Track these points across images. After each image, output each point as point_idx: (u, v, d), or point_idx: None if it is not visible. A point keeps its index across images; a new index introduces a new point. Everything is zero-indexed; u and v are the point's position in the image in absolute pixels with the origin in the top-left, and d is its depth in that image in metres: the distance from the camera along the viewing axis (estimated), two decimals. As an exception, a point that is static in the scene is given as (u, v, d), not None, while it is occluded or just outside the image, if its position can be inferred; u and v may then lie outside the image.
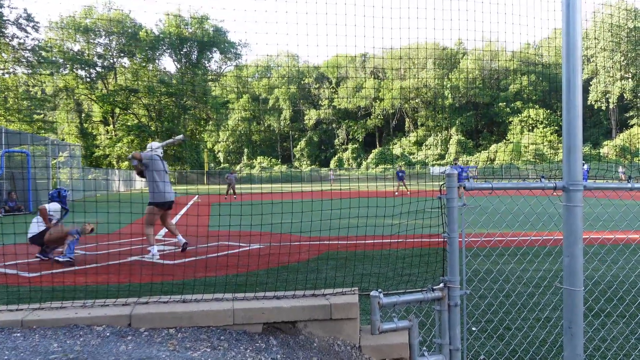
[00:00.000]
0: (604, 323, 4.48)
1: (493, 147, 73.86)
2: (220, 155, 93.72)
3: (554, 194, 3.16)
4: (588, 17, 75.15)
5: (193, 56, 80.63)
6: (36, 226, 8.74)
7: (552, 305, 4.86)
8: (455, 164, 20.07)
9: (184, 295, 3.43)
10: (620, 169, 28.86)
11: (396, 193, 27.05)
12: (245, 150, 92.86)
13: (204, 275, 6.99)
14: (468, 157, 73.96)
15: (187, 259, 8.51)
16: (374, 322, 3.04)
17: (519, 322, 4.52)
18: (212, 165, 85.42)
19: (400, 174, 30.35)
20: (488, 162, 70.91)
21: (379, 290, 3.07)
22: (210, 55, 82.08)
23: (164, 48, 77.43)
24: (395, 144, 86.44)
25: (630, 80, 73.59)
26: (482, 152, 74.71)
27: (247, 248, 9.49)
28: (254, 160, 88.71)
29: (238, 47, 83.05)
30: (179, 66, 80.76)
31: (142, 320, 3.05)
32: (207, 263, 7.99)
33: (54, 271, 7.53)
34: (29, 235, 8.70)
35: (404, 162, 72.70)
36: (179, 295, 3.45)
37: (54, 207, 8.99)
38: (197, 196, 28.39)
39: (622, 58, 74.08)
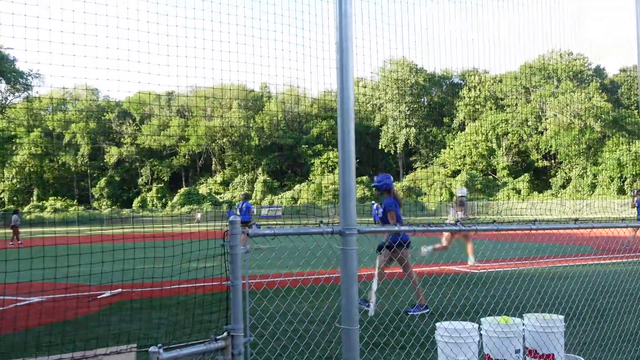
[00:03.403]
0: (377, 357, 4.84)
1: (297, 187, 77.08)
2: (5, 196, 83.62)
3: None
4: (377, 71, 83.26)
5: (-29, 85, 71.75)
6: None
7: (333, 344, 5.12)
8: (245, 199, 20.58)
9: None
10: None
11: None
12: (36, 190, 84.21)
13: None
14: (273, 196, 76.07)
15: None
16: (153, 379, 2.90)
17: (302, 364, 4.67)
18: (-6, 207, 75.70)
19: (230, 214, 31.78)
20: (292, 202, 73.67)
21: (159, 345, 2.94)
22: (-6, 85, 73.62)
23: None
24: (202, 183, 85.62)
25: (413, 128, 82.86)
26: (287, 191, 77.47)
27: (27, 302, 8.50)
28: (45, 201, 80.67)
29: (28, 77, 75.76)
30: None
31: None
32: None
33: None
34: None
35: (210, 203, 72.13)
36: None
37: None
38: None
39: (407, 108, 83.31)
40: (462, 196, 14.13)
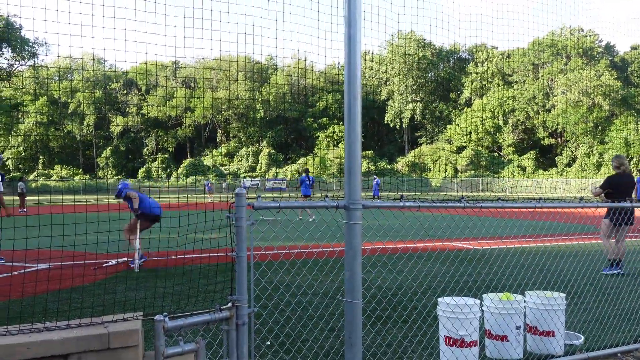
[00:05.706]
0: (379, 330, 4.90)
1: (302, 160, 77.03)
2: (11, 163, 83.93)
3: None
4: (384, 44, 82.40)
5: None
6: None
7: (336, 316, 5.18)
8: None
9: None
10: None
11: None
12: (41, 158, 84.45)
13: (-25, 304, 6.17)
14: (278, 169, 76.15)
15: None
16: (158, 347, 2.96)
17: (304, 335, 4.73)
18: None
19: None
20: (297, 175, 73.72)
21: (165, 313, 2.98)
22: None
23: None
24: (207, 155, 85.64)
25: (419, 103, 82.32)
26: (292, 165, 77.50)
27: (34, 269, 8.61)
28: (51, 169, 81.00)
29: (34, 45, 75.33)
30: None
31: None
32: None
33: None
34: None
35: (214, 174, 72.30)
36: None
37: None
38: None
39: (413, 83, 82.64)
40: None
